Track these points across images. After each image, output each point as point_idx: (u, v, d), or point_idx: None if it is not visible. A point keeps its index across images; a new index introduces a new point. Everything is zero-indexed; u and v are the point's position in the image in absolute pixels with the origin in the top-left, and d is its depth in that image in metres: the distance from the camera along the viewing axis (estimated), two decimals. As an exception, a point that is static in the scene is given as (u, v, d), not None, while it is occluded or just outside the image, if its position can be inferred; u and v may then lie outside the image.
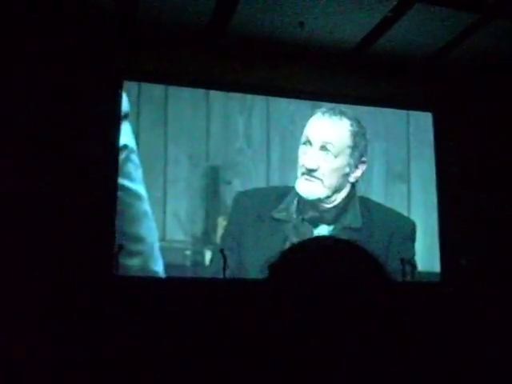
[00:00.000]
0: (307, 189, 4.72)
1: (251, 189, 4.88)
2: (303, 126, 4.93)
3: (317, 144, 4.75)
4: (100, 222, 4.38)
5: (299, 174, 4.79)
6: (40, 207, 4.23)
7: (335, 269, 0.78)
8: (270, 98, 5.09)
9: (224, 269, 4.16)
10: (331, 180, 4.73)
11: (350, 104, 5.16)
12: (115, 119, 4.62)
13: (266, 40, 4.83)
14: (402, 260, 4.55)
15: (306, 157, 4.75)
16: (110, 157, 4.54)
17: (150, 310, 3.77)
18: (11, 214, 4.16)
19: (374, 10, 4.40)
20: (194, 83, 4.91)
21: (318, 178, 4.70)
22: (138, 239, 4.50)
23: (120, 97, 4.65)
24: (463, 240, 5.14)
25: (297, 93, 5.08)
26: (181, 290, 4.18)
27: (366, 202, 4.96)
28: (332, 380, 0.72)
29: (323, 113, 4.89)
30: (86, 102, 4.48)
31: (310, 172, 4.70)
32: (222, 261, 4.26)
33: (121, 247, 4.26)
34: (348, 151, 4.79)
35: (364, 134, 4.93)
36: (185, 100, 4.91)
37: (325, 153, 4.71)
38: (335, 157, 4.72)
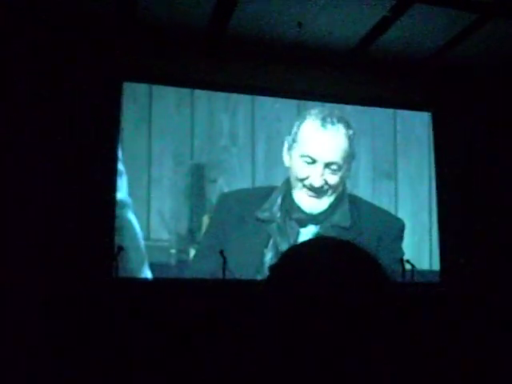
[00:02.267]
0: (311, 205, 4.70)
1: (235, 190, 4.83)
2: (290, 125, 4.89)
3: (321, 162, 4.69)
4: (99, 223, 4.37)
5: (299, 186, 4.71)
6: (39, 208, 4.23)
7: (335, 269, 0.78)
8: (255, 97, 5.04)
9: (224, 269, 4.17)
10: (336, 190, 4.74)
11: (349, 104, 5.16)
12: (114, 119, 4.62)
13: (265, 40, 4.82)
14: (402, 260, 4.54)
15: (312, 176, 4.67)
16: (109, 157, 4.54)
17: (150, 312, 3.77)
18: (10, 215, 4.15)
19: (373, 10, 4.40)
20: (193, 84, 4.90)
21: (325, 193, 4.69)
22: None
23: (120, 97, 4.64)
24: (462, 239, 5.15)
25: (296, 93, 5.08)
26: (181, 292, 4.18)
27: (355, 201, 4.94)
28: (331, 380, 0.72)
29: (320, 124, 4.80)
30: (86, 102, 4.48)
31: (316, 189, 4.66)
32: (204, 260, 4.41)
33: (120, 248, 4.25)
34: (349, 159, 4.82)
35: (354, 133, 4.92)
36: (169, 98, 4.87)
37: (330, 170, 4.69)
38: (340, 169, 4.72)
